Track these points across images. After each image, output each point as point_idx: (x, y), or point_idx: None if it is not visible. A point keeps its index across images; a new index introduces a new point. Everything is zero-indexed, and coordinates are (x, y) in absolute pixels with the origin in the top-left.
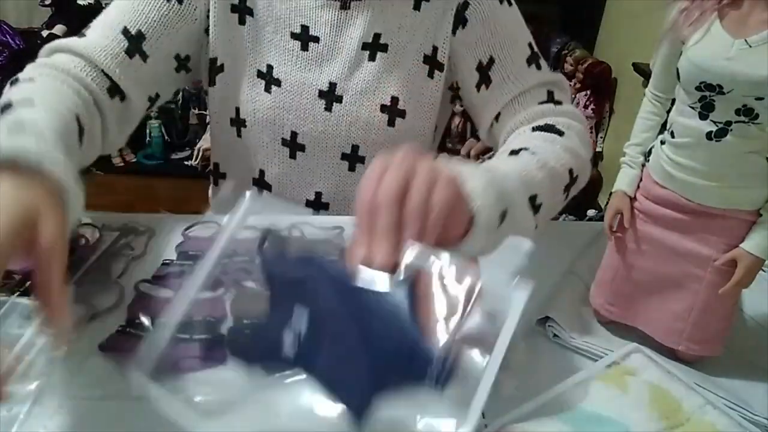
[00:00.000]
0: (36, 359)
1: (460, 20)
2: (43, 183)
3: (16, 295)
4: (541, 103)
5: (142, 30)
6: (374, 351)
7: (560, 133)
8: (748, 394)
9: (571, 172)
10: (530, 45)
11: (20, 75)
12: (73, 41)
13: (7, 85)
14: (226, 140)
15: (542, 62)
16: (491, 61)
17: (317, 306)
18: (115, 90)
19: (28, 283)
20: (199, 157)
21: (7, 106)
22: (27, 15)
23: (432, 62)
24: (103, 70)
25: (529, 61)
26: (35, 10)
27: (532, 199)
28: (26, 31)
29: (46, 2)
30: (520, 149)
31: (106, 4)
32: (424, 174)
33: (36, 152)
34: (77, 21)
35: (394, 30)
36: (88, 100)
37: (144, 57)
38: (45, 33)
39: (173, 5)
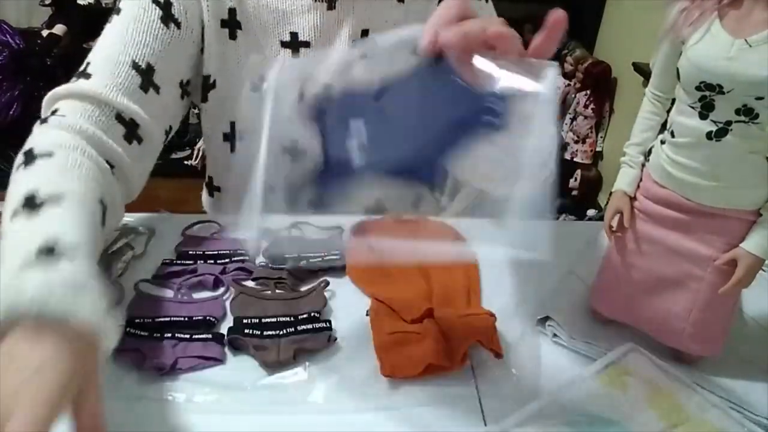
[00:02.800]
0: None
1: None
2: (79, 337)
3: None
4: None
5: (151, 62)
6: (436, 121)
7: None
8: (748, 394)
9: None
10: None
11: (35, 146)
12: (81, 85)
13: (21, 155)
14: (218, 155)
15: None
16: None
17: (369, 112)
18: (131, 135)
19: None
20: (199, 156)
21: (33, 200)
22: (27, 15)
23: None
24: (119, 113)
25: None
26: (35, 10)
27: None
28: (26, 31)
29: (46, 2)
30: None
31: (107, 4)
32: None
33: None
34: (77, 21)
35: (381, 24)
36: (106, 170)
37: (157, 89)
38: (45, 33)
39: (173, 31)
